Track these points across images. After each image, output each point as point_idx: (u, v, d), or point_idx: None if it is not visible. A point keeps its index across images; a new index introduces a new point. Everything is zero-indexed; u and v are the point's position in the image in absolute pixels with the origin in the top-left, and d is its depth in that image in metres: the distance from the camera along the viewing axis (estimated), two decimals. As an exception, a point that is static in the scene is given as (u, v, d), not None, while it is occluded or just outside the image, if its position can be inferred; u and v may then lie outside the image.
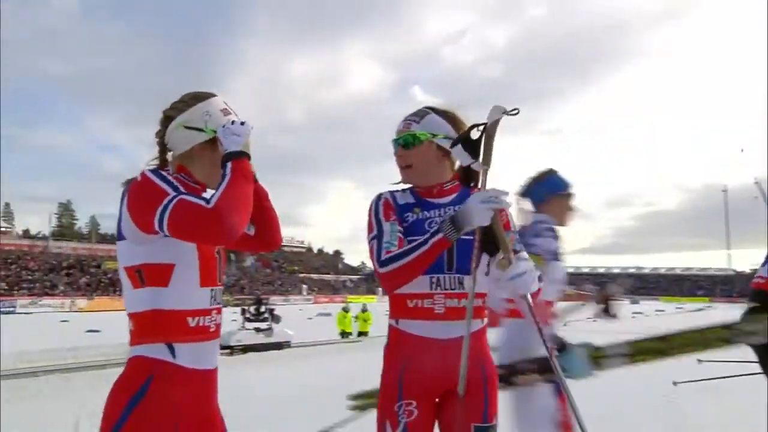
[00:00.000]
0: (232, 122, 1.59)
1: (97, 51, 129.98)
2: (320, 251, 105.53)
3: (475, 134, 1.65)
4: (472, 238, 1.66)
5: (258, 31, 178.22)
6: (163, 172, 1.54)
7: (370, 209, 1.81)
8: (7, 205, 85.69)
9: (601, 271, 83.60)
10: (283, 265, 74.82)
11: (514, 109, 1.61)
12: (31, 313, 33.73)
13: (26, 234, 72.66)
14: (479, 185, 1.68)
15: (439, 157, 1.81)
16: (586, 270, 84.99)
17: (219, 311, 1.63)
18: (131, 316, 1.54)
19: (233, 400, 6.79)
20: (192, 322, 1.53)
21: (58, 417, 5.17)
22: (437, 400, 1.73)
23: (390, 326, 1.79)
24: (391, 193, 1.86)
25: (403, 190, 1.88)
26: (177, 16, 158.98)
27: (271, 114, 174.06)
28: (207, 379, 1.58)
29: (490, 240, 1.64)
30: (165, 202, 1.40)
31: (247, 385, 7.82)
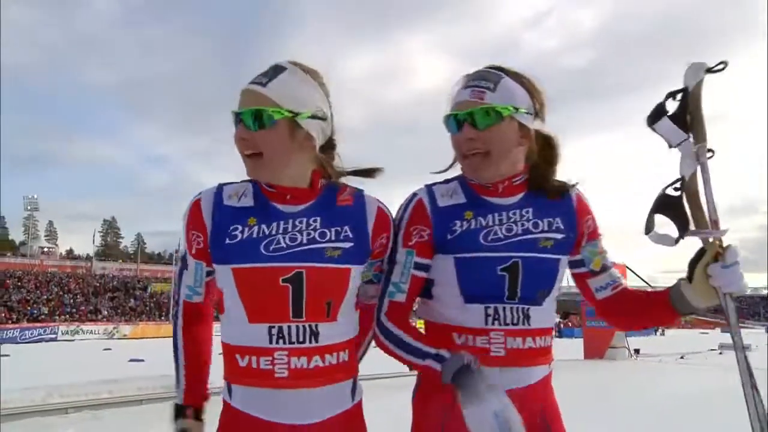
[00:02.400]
0: None
1: (141, 57, 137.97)
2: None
3: (671, 105, 1.43)
4: (546, 256, 1.46)
5: (308, 27, 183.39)
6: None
7: (396, 214, 1.54)
8: (50, 223, 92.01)
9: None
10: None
11: (720, 64, 1.40)
12: (73, 340, 35.54)
13: (69, 254, 77.49)
14: (697, 174, 1.41)
15: (519, 139, 1.48)
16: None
17: (298, 353, 1.36)
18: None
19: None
20: (242, 361, 1.37)
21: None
22: None
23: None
24: (430, 190, 1.53)
25: (447, 181, 1.55)
26: (222, 16, 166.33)
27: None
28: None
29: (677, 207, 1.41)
30: None
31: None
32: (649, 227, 1.45)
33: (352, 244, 1.40)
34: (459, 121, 1.46)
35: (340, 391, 1.41)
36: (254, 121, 1.35)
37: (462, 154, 1.50)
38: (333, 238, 1.40)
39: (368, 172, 1.53)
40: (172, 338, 1.53)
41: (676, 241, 1.44)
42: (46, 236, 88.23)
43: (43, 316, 40.98)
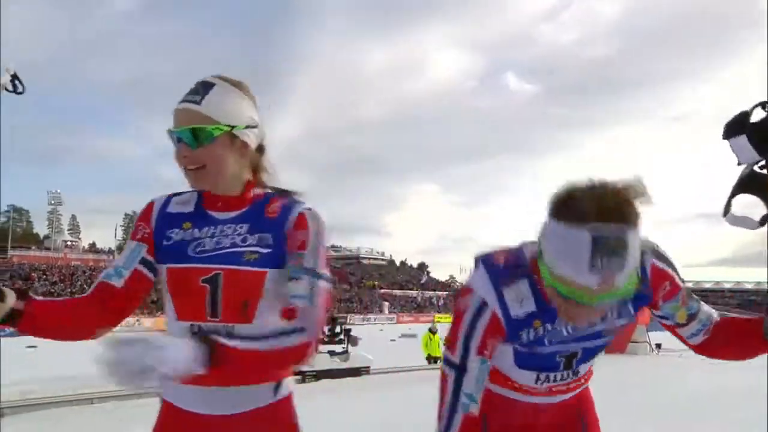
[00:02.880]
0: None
1: (157, 54, 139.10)
2: (403, 264, 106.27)
3: (756, 116, 1.32)
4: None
5: (326, 23, 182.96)
6: None
7: (461, 309, 1.49)
8: (73, 217, 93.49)
9: (749, 286, 77.58)
10: (362, 279, 75.87)
11: None
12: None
13: (92, 248, 78.69)
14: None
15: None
16: (728, 285, 79.41)
17: None
18: None
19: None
20: None
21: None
22: None
23: None
24: (502, 301, 1.46)
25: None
26: (238, 13, 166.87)
27: (344, 112, 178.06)
28: (198, 423, 1.47)
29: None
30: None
31: (320, 418, 7.75)
32: (727, 209, 1.38)
33: (270, 249, 1.45)
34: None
35: (257, 390, 1.47)
36: (194, 139, 1.42)
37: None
38: (254, 243, 1.46)
39: (285, 193, 1.57)
40: None
41: (761, 223, 1.35)
42: (69, 230, 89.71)
43: (67, 309, 41.86)
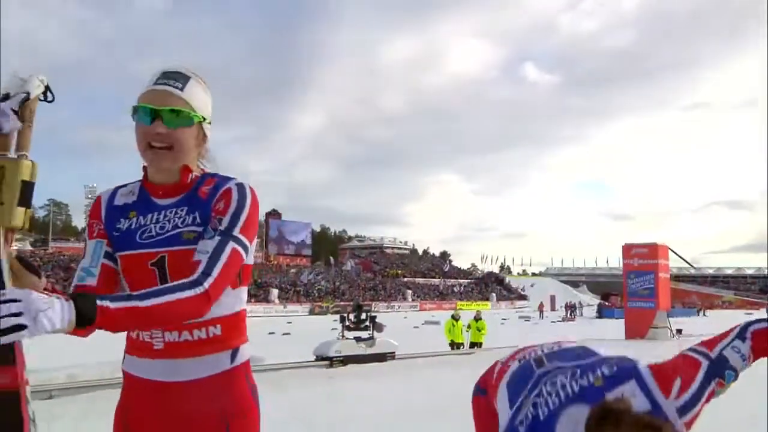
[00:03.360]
0: None
1: (186, 49, 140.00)
2: (425, 253, 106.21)
3: None
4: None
5: (348, 15, 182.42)
6: None
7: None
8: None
9: (769, 272, 75.87)
10: (385, 268, 76.02)
11: None
12: None
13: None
14: None
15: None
16: (750, 272, 77.83)
17: (171, 328, 1.52)
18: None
19: (332, 418, 6.84)
20: (132, 335, 1.60)
21: None
22: None
23: None
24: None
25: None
26: (262, 9, 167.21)
27: (365, 104, 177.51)
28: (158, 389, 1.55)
29: None
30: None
31: (347, 401, 7.85)
32: None
33: (204, 226, 1.50)
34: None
35: (214, 357, 1.54)
36: (173, 120, 1.49)
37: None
38: (190, 222, 1.52)
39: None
40: None
41: None
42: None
43: (105, 297, 42.72)
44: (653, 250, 21.30)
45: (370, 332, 13.85)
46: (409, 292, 64.71)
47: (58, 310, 1.15)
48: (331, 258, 78.73)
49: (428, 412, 6.65)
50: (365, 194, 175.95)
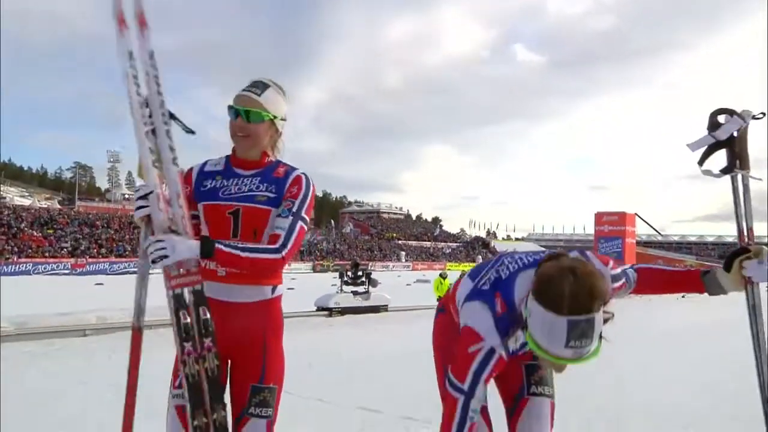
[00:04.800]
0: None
1: (202, 25, 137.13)
2: (418, 218, 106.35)
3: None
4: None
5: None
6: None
7: (472, 351, 1.64)
8: (129, 173, 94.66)
9: (730, 239, 76.51)
10: (381, 231, 76.30)
11: (761, 114, 1.87)
12: (152, 273, 37.28)
13: (147, 201, 79.61)
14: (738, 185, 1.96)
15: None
16: (711, 239, 78.44)
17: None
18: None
19: (331, 357, 7.10)
20: (202, 263, 1.82)
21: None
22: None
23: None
24: (506, 347, 1.65)
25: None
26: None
27: (369, 80, 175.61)
28: (220, 306, 1.85)
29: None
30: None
31: (345, 344, 8.13)
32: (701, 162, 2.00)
33: (275, 195, 1.87)
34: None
35: (261, 288, 1.88)
36: (249, 117, 1.86)
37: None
38: (264, 189, 1.87)
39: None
40: None
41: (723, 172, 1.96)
42: (126, 185, 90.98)
43: (127, 253, 42.94)
44: (622, 218, 21.64)
45: (366, 287, 14.15)
46: (403, 253, 65.16)
47: (191, 245, 1.63)
48: (332, 221, 78.88)
49: (415, 354, 6.89)
50: (365, 163, 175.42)
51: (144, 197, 1.73)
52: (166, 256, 1.60)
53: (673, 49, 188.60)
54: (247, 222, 1.84)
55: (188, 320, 1.68)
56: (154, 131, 1.78)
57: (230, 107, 1.88)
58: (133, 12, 1.79)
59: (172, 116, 1.80)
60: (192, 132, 1.90)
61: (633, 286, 1.85)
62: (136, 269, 1.82)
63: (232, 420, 1.85)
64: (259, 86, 1.90)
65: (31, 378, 5.30)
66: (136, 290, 1.74)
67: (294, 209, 1.84)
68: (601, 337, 1.46)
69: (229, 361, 1.88)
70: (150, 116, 1.78)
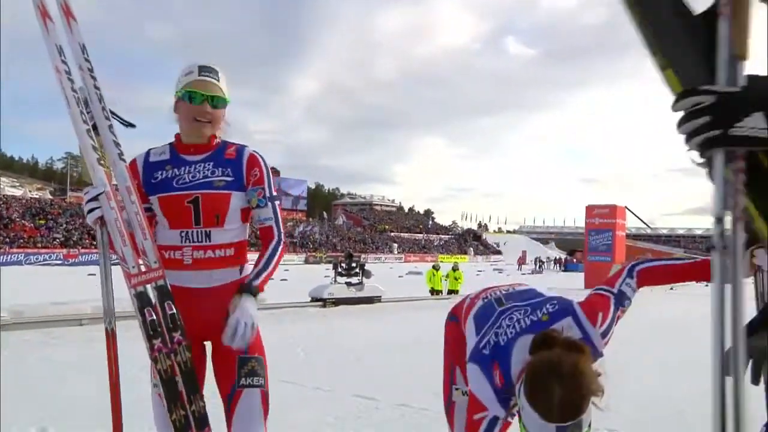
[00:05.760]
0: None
1: (196, 16, 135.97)
2: (411, 210, 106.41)
3: None
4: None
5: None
6: None
7: (477, 421, 1.74)
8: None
9: (718, 234, 76.75)
10: (374, 223, 76.37)
11: None
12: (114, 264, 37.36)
13: (139, 192, 79.03)
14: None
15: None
16: (699, 232, 79.13)
17: (197, 248, 1.90)
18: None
19: (325, 347, 7.17)
20: (166, 254, 1.92)
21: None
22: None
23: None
24: (510, 414, 1.71)
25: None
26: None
27: (362, 70, 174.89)
28: (190, 293, 1.91)
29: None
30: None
31: (338, 334, 8.20)
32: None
33: (232, 178, 1.89)
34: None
35: (228, 272, 1.92)
36: (218, 102, 1.90)
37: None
38: (219, 174, 1.89)
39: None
40: None
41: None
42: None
43: (119, 244, 42.68)
44: (612, 210, 21.75)
45: (360, 278, 14.18)
46: (395, 245, 65.25)
47: (253, 300, 1.76)
48: (325, 213, 78.78)
49: (407, 344, 7.02)
50: (357, 155, 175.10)
51: (95, 198, 1.73)
52: (252, 326, 1.73)
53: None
54: (208, 209, 1.86)
55: (154, 317, 1.73)
56: (95, 127, 1.75)
57: (189, 91, 1.86)
58: (57, 4, 1.72)
59: (111, 112, 1.80)
60: (132, 126, 1.94)
61: (631, 301, 1.86)
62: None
63: (224, 399, 1.90)
64: (213, 72, 1.91)
65: (32, 365, 5.38)
66: (102, 295, 1.77)
67: (267, 194, 1.92)
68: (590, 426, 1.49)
69: (210, 343, 1.91)
70: (89, 112, 1.74)
